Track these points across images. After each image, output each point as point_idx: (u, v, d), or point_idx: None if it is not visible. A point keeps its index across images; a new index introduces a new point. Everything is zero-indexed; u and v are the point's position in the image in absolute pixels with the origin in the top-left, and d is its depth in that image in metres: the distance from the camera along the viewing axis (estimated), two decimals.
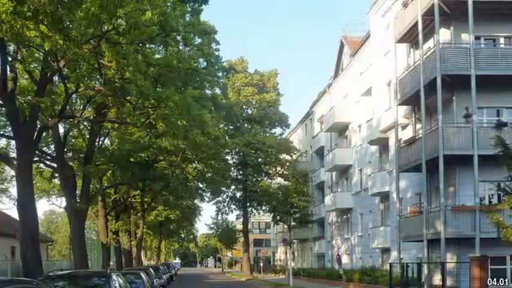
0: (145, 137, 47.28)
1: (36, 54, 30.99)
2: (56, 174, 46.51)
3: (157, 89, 34.65)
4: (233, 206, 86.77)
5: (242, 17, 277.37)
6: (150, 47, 34.98)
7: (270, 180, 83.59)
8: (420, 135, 40.28)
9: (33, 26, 19.92)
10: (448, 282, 36.44)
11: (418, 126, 42.20)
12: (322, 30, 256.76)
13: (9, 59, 29.27)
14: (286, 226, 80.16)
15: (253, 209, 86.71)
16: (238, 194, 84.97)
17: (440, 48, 37.30)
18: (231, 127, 78.14)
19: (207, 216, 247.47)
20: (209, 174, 59.88)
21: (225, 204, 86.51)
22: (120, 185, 57.25)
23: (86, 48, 27.50)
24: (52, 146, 44.52)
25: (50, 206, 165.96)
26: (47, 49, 23.46)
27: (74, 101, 40.33)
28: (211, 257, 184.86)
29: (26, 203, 30.89)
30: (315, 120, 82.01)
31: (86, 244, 45.15)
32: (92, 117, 40.87)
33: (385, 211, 53.34)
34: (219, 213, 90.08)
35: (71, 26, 23.11)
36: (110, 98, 34.47)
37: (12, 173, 44.11)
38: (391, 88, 47.07)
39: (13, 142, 37.47)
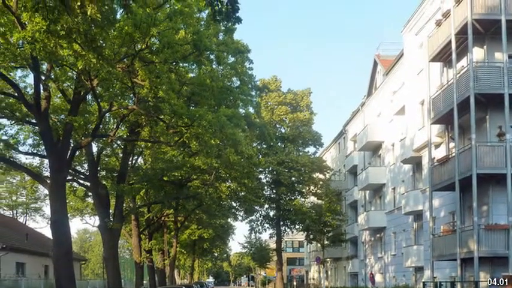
0: (178, 156, 47.24)
1: (70, 73, 31.14)
2: (90, 193, 46.65)
3: (191, 107, 34.63)
4: (266, 225, 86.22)
5: (275, 36, 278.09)
6: (184, 65, 34.97)
7: (303, 199, 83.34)
8: (453, 154, 39.87)
9: (67, 45, 19.89)
10: None
11: (452, 145, 41.86)
12: (356, 49, 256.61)
13: (43, 77, 29.36)
14: (319, 245, 79.90)
15: (286, 228, 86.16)
16: (271, 213, 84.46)
17: (474, 67, 36.86)
18: (265, 146, 77.71)
19: (240, 235, 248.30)
20: (242, 193, 59.61)
21: (259, 222, 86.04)
22: (154, 204, 57.16)
23: (119, 67, 27.51)
24: (85, 165, 44.66)
25: (83, 225, 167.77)
26: (80, 68, 23.42)
27: (107, 120, 40.43)
28: (245, 275, 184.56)
29: (59, 222, 30.93)
30: (348, 139, 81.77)
31: (119, 263, 45.06)
32: (125, 136, 40.95)
33: (419, 230, 52.80)
34: (253, 231, 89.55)
35: (104, 44, 23.10)
36: (143, 116, 34.56)
37: (46, 191, 44.30)
38: (424, 107, 46.71)
39: (47, 161, 37.62)
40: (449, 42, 39.26)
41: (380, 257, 65.68)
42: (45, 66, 30.11)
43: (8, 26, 24.30)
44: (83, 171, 44.78)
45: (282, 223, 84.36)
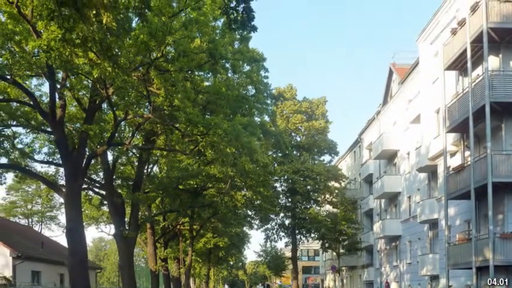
0: (194, 165, 47.22)
1: (85, 82, 31.19)
2: (105, 202, 46.62)
3: (206, 116, 34.57)
4: (282, 233, 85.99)
5: (290, 45, 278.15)
6: (199, 74, 34.97)
7: (318, 208, 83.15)
8: (469, 163, 39.95)
9: (82, 54, 19.85)
10: None
11: (467, 153, 42.04)
12: (371, 57, 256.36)
13: (58, 86, 29.38)
14: (335, 253, 79.78)
15: (302, 236, 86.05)
16: (287, 221, 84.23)
17: (489, 75, 36.83)
18: (280, 154, 77.60)
19: (255, 244, 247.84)
20: (258, 202, 59.42)
21: (274, 231, 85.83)
22: (169, 213, 57.08)
23: (135, 76, 27.50)
24: (101, 174, 44.67)
25: (98, 233, 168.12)
26: (95, 76, 23.38)
27: (122, 129, 40.46)
28: (260, 284, 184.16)
29: (74, 230, 30.92)
30: (363, 148, 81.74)
31: (135, 271, 45.00)
32: (140, 144, 40.94)
33: (434, 238, 52.76)
34: (268, 240, 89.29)
35: (119, 53, 23.10)
36: (158, 125, 34.53)
37: (61, 200, 44.32)
38: (439, 115, 46.59)
39: (62, 169, 37.62)
40: (465, 50, 39.26)
41: (395, 265, 65.60)
42: (60, 75, 30.11)
43: (23, 35, 24.38)
44: (98, 179, 44.78)
45: (297, 231, 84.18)
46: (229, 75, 36.59)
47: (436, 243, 51.63)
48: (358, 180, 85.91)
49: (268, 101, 45.71)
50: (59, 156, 35.44)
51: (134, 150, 43.14)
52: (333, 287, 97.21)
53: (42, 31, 21.50)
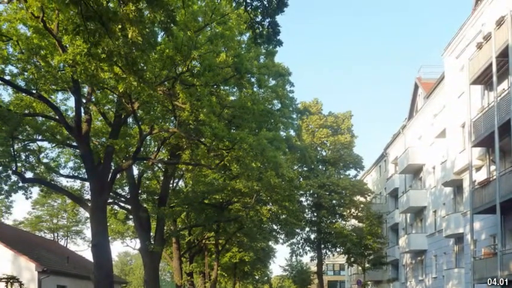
0: (219, 179, 47.17)
1: (110, 96, 31.25)
2: (131, 216, 46.69)
3: (232, 130, 34.48)
4: (307, 248, 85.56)
5: (316, 59, 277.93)
6: (225, 88, 34.99)
7: (344, 222, 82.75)
8: (494, 177, 39.58)
9: (108, 68, 19.83)
10: None
11: (493, 167, 41.75)
12: (396, 71, 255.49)
13: (84, 101, 29.49)
14: (360, 268, 79.23)
15: (327, 251, 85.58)
16: (312, 236, 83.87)
17: None
18: (305, 169, 77.41)
19: (281, 258, 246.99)
20: (283, 216, 59.24)
21: (299, 245, 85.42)
22: (195, 227, 57.07)
23: (160, 90, 27.50)
24: (126, 188, 44.69)
25: (124, 248, 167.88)
26: (121, 91, 23.39)
27: (148, 143, 40.53)
28: None
29: (100, 245, 30.95)
30: (389, 162, 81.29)
31: (160, 286, 44.91)
32: (166, 159, 40.97)
33: (460, 253, 52.29)
34: (293, 254, 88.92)
35: (145, 67, 23.05)
36: (184, 139, 34.50)
37: (87, 214, 44.45)
38: (465, 130, 46.24)
39: (87, 184, 37.72)
40: (490, 65, 38.94)
41: (421, 280, 65.10)
42: (86, 89, 30.24)
43: (49, 49, 24.48)
44: (123, 194, 44.85)
45: (322, 246, 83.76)
46: (255, 89, 36.55)
47: (461, 257, 51.20)
48: (383, 195, 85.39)
49: (294, 116, 45.52)
50: (84, 170, 35.63)
51: (160, 165, 43.21)
52: None
53: (67, 45, 21.59)
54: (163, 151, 41.76)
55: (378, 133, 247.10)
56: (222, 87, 33.91)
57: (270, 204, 54.24)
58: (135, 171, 41.28)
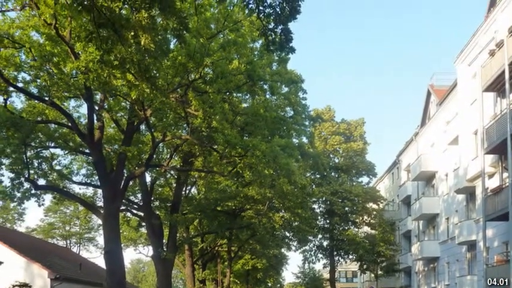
0: (232, 186, 47.09)
1: (123, 103, 31.28)
2: (143, 223, 46.69)
3: (244, 137, 34.40)
4: (320, 255, 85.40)
5: (328, 65, 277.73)
6: (237, 95, 34.95)
7: (356, 229, 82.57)
8: (507, 184, 39.61)
9: (120, 75, 19.81)
10: None
11: (505, 174, 41.68)
12: (408, 78, 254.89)
13: (96, 108, 29.52)
14: (373, 275, 79.15)
15: (340, 258, 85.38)
16: (325, 243, 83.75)
17: None
18: (318, 176, 77.28)
19: (293, 265, 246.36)
20: (296, 223, 59.13)
21: (312, 252, 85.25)
22: (207, 234, 57.07)
23: (173, 97, 27.52)
24: (139, 195, 44.69)
25: (136, 255, 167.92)
26: (133, 98, 23.42)
27: (160, 150, 40.57)
28: None
29: (112, 252, 30.94)
30: (401, 169, 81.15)
31: None
32: (178, 166, 41.00)
33: (472, 260, 52.16)
34: (306, 261, 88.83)
35: (157, 74, 23.03)
36: (196, 146, 34.51)
37: (99, 221, 44.47)
38: (478, 137, 46.29)
39: (100, 191, 37.73)
40: (503, 72, 38.94)
41: (433, 287, 65.04)
42: (98, 96, 30.28)
43: (61, 56, 24.50)
44: (136, 201, 44.89)
45: (335, 253, 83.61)
46: (268, 96, 36.49)
47: (474, 264, 51.09)
48: (396, 202, 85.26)
49: (306, 123, 45.42)
50: (97, 177, 35.66)
51: (172, 172, 43.24)
52: None
53: (80, 53, 21.60)
54: (176, 158, 41.77)
55: (390, 139, 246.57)
56: (234, 94, 33.89)
57: (283, 211, 54.21)
58: (148, 178, 41.35)
